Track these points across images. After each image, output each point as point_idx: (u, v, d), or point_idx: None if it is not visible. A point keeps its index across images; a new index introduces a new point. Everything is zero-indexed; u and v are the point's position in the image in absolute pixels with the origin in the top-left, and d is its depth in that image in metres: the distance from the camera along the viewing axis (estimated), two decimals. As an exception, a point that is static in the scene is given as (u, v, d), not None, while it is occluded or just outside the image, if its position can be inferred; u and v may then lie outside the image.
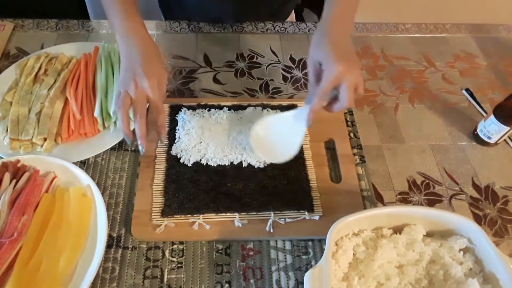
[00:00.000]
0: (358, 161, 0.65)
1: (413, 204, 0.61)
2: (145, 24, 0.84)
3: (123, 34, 0.59)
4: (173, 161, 0.61)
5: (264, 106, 0.68)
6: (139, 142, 0.55)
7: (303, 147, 0.64)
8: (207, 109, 0.68)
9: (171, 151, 0.62)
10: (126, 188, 0.60)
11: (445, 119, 0.73)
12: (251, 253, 0.55)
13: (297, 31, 0.87)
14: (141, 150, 0.56)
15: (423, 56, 0.84)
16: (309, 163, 0.62)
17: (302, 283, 0.49)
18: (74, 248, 0.51)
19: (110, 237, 0.55)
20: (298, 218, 0.57)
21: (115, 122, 0.64)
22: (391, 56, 0.83)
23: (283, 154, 0.59)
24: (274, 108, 0.68)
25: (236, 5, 0.84)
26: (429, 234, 0.52)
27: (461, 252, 0.50)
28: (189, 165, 0.61)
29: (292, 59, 0.81)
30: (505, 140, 0.69)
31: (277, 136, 0.59)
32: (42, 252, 0.50)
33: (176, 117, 0.66)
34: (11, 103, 0.66)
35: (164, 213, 0.56)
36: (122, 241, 0.55)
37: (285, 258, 0.55)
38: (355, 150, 0.66)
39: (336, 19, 0.58)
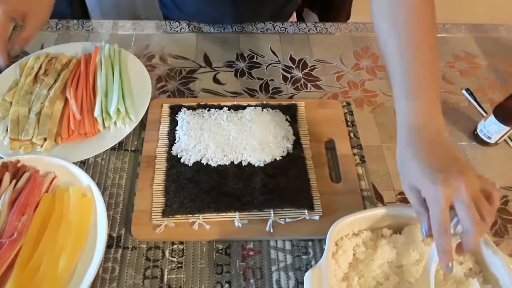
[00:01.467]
0: (358, 161, 0.65)
1: (413, 204, 0.61)
2: (145, 24, 0.86)
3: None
4: (173, 161, 0.61)
5: (264, 106, 0.68)
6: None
7: (303, 146, 0.64)
8: (207, 109, 0.68)
9: (171, 151, 0.62)
10: (126, 188, 0.60)
11: (445, 119, 0.72)
12: (251, 253, 0.55)
13: (297, 31, 0.87)
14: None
15: (423, 56, 0.84)
16: (309, 162, 0.62)
17: (302, 283, 0.49)
18: (74, 248, 0.51)
19: (110, 237, 0.55)
20: (298, 218, 0.57)
21: (115, 122, 0.64)
22: (391, 56, 0.83)
23: None
24: (273, 108, 0.68)
25: (235, 9, 0.84)
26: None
27: (461, 252, 0.50)
28: (190, 165, 0.61)
29: (292, 59, 0.81)
30: (505, 140, 0.69)
31: None
32: (42, 252, 0.50)
33: (176, 117, 0.66)
34: (11, 103, 0.65)
35: (165, 213, 0.56)
36: (122, 241, 0.55)
37: (285, 258, 0.55)
38: (355, 150, 0.66)
39: (413, 108, 0.44)
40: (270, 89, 0.75)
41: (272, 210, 0.57)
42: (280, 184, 0.59)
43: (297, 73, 0.78)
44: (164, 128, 0.66)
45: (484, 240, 0.47)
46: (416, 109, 0.45)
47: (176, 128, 0.65)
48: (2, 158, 0.60)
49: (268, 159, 0.61)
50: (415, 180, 0.42)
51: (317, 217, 0.57)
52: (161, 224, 0.55)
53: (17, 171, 0.57)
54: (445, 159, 0.41)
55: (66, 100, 0.66)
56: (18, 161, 0.58)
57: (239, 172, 0.60)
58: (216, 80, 0.76)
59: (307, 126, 0.67)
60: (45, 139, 0.62)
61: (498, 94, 0.77)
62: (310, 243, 0.56)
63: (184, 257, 0.54)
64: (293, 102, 0.70)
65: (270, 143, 0.63)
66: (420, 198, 0.42)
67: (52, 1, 0.65)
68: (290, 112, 0.68)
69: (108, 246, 0.55)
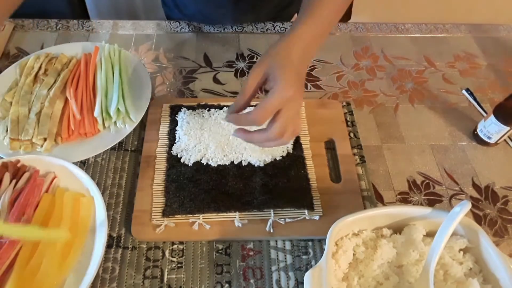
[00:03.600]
0: (358, 161, 0.65)
1: (413, 204, 0.61)
2: (145, 24, 0.86)
3: None
4: (173, 161, 0.61)
5: (264, 106, 0.68)
6: None
7: (303, 146, 0.64)
8: (207, 109, 0.68)
9: (171, 151, 0.62)
10: (126, 188, 0.60)
11: (445, 119, 0.73)
12: (251, 253, 0.55)
13: (297, 31, 0.87)
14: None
15: (423, 56, 0.84)
16: (309, 162, 0.62)
17: (302, 283, 0.49)
18: (74, 248, 0.51)
19: (110, 237, 0.55)
20: (298, 218, 0.57)
21: (115, 122, 0.64)
22: (391, 56, 0.83)
23: None
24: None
25: (235, 12, 0.84)
26: (429, 234, 0.52)
27: (461, 252, 0.50)
28: (190, 164, 0.61)
29: (292, 59, 0.81)
30: (505, 140, 0.69)
31: None
32: (42, 252, 0.50)
33: (176, 117, 0.66)
34: (11, 103, 0.66)
35: (165, 213, 0.56)
36: (122, 241, 0.55)
37: (285, 258, 0.55)
38: (355, 150, 0.66)
39: (307, 26, 0.51)
40: (270, 89, 0.75)
41: (272, 210, 0.57)
42: (280, 184, 0.59)
43: (297, 73, 0.78)
44: (164, 128, 0.66)
45: (484, 240, 0.48)
46: (304, 30, 0.51)
47: (176, 128, 0.65)
48: (2, 158, 0.60)
49: (268, 159, 0.61)
50: (277, 71, 0.47)
51: (317, 217, 0.57)
52: (161, 224, 0.55)
53: (17, 171, 0.57)
54: (300, 76, 0.49)
55: (66, 100, 0.66)
56: (18, 161, 0.58)
57: (239, 172, 0.60)
58: (216, 80, 0.76)
59: (307, 126, 0.67)
60: (45, 139, 0.62)
61: (498, 94, 0.77)
62: (310, 243, 0.56)
63: (184, 257, 0.54)
64: (293, 102, 0.70)
65: (270, 143, 0.63)
66: (260, 84, 0.49)
67: None
68: (290, 112, 0.68)
69: (108, 246, 0.55)
